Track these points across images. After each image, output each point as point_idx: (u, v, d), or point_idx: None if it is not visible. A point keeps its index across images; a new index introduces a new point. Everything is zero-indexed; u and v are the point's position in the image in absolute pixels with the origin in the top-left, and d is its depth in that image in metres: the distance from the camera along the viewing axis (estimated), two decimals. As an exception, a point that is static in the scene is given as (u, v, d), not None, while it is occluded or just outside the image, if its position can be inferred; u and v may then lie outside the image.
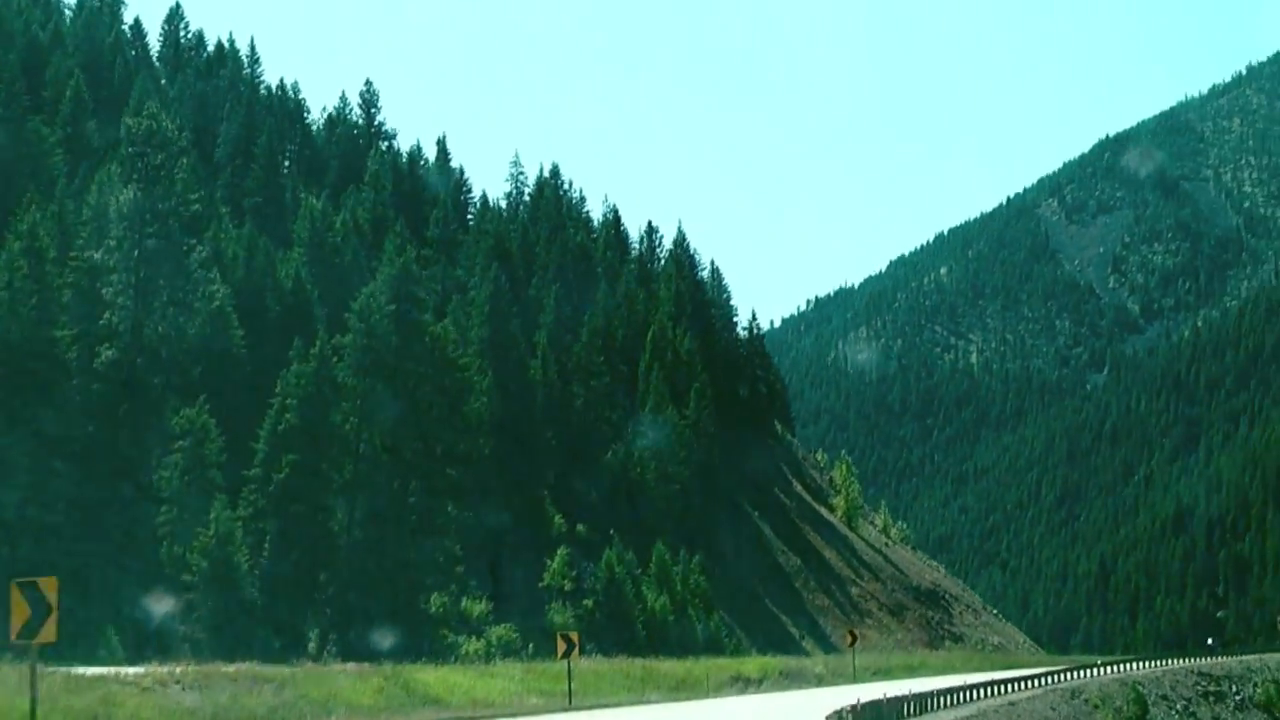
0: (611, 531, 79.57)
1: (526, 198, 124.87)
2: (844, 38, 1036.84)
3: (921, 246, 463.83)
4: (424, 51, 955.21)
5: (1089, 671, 58.58)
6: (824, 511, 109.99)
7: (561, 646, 42.81)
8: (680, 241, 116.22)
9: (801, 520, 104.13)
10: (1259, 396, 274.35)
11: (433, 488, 65.42)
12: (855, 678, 61.30)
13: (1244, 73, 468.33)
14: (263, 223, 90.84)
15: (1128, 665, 64.06)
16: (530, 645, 63.64)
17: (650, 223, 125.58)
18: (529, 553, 76.55)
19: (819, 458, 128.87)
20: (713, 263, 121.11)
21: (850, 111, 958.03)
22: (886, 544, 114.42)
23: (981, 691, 45.65)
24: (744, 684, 55.78)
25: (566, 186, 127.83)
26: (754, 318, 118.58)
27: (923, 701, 37.97)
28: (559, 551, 74.87)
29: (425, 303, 71.50)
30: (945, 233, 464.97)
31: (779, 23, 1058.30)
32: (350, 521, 63.10)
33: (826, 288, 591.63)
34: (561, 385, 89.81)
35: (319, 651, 59.50)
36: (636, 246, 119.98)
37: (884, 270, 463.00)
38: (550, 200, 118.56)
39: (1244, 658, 76.51)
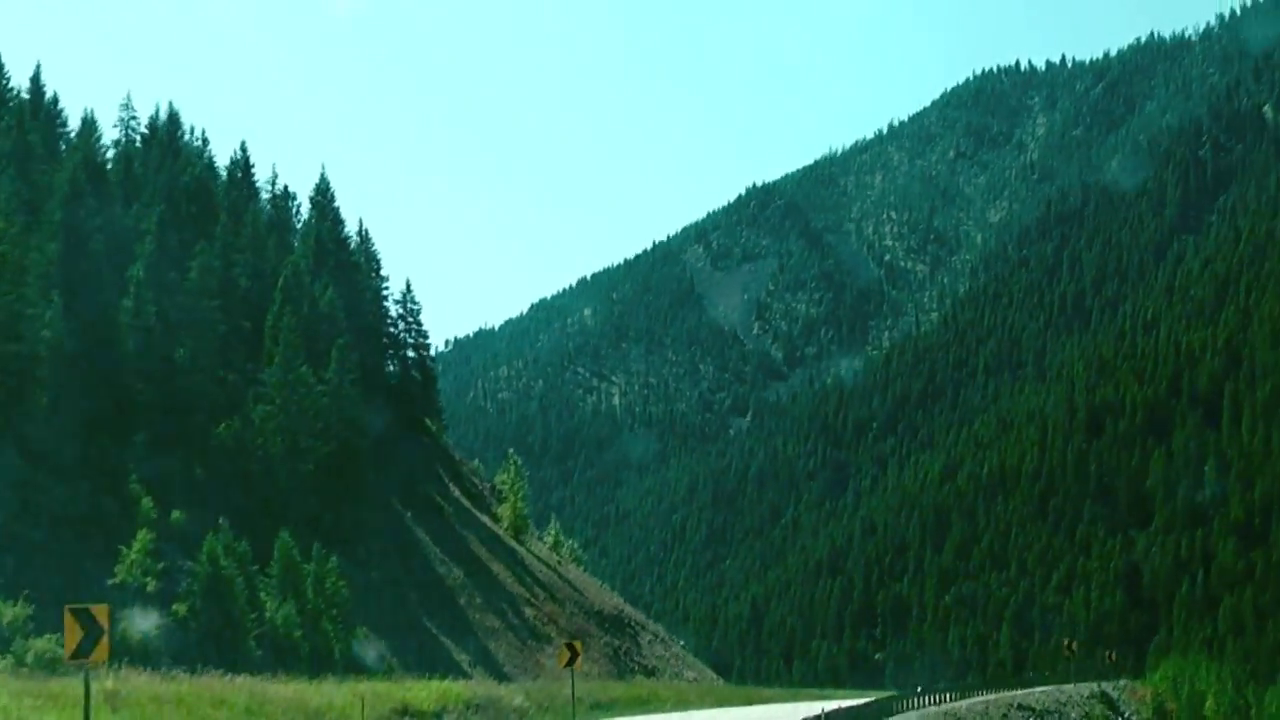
0: (221, 519, 58.21)
1: (139, 144, 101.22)
2: (484, 74, 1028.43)
3: (565, 290, 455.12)
4: None
5: (904, 702, 42.16)
6: (488, 521, 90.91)
7: (72, 638, 22.38)
8: (323, 189, 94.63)
9: (464, 528, 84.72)
10: (907, 440, 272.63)
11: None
12: (574, 713, 42.50)
13: (885, 131, 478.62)
14: None
15: (944, 696, 48.30)
16: (88, 665, 42.02)
17: (287, 187, 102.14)
18: (101, 541, 54.59)
19: (477, 466, 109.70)
20: (361, 223, 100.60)
21: (495, 155, 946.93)
22: (559, 562, 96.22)
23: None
24: (414, 719, 36.17)
25: (188, 133, 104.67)
26: (408, 289, 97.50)
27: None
28: (139, 535, 53.03)
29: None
30: (589, 277, 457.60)
31: (419, 55, 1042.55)
32: None
33: (466, 329, 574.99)
34: (162, 332, 67.94)
35: None
36: (268, 188, 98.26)
37: (525, 312, 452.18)
38: (164, 141, 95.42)
39: (1045, 688, 62.87)
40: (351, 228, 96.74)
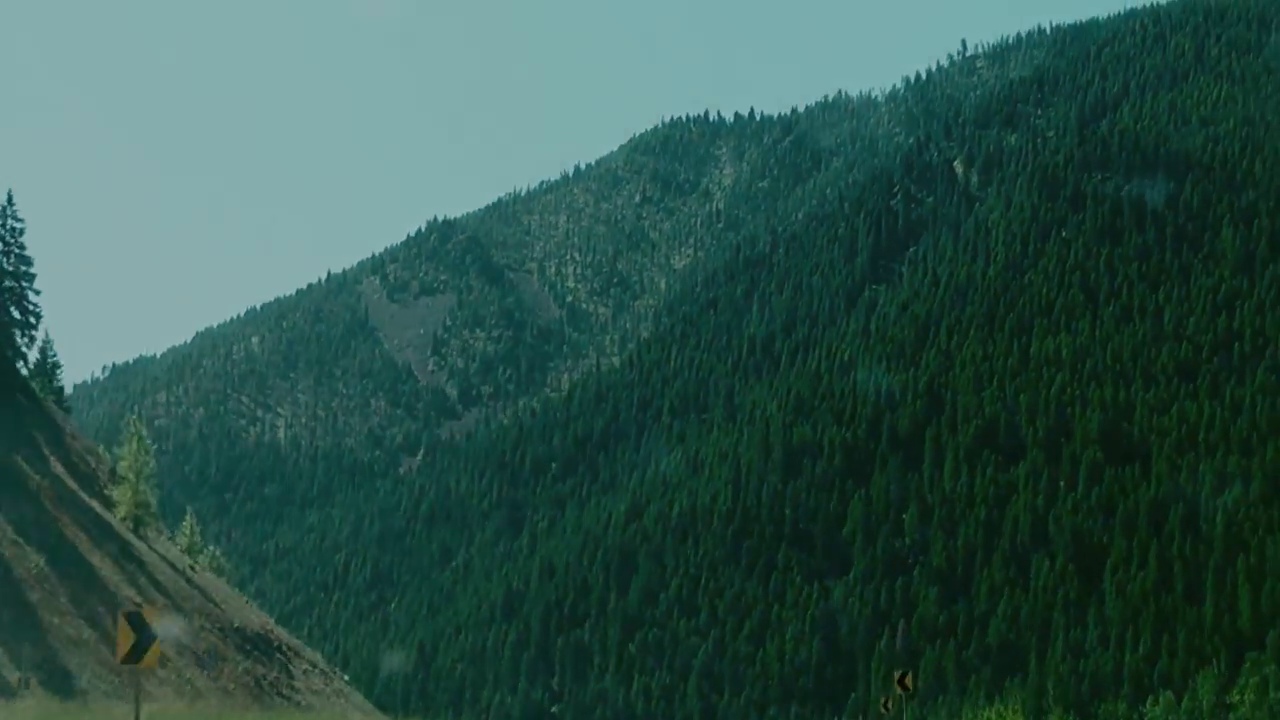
0: None
1: None
2: (152, 83, 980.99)
3: (233, 318, 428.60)
4: None
5: None
6: (97, 506, 69.49)
7: None
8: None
9: (59, 508, 63.28)
10: (587, 481, 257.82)
11: None
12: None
13: (572, 173, 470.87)
14: None
15: None
16: None
17: None
18: None
19: (100, 450, 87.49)
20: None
21: (162, 173, 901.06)
22: (191, 566, 75.29)
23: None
24: None
25: None
26: (10, 202, 75.11)
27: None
28: None
29: None
30: (259, 307, 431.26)
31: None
32: None
33: (126, 355, 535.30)
34: None
35: None
36: None
37: (190, 340, 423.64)
38: None
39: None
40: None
